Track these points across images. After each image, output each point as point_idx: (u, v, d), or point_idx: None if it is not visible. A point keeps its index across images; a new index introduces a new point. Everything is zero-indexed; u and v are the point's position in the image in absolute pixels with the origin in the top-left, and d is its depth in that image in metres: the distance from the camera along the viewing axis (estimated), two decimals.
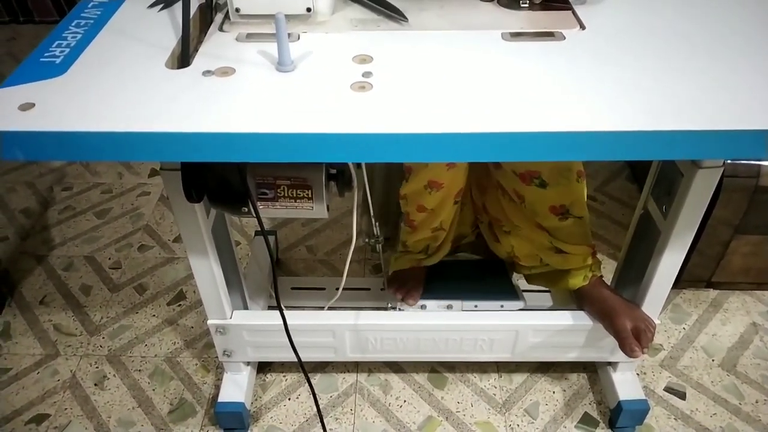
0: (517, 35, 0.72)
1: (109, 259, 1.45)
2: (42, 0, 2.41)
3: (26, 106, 0.60)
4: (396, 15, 0.75)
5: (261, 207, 0.72)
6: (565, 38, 0.72)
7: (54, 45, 0.70)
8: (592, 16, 0.76)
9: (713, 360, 1.22)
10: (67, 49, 0.69)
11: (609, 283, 1.14)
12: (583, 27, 0.74)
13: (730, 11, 0.76)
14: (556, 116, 0.58)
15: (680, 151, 0.59)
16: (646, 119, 0.58)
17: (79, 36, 0.71)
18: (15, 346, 1.26)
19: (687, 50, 0.68)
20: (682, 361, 1.22)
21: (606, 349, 1.06)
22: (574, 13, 0.77)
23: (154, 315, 1.32)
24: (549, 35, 0.72)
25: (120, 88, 0.62)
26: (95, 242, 1.49)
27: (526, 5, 0.78)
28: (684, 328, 1.28)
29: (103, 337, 1.27)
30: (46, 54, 0.68)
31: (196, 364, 1.22)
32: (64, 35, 0.72)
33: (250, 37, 0.72)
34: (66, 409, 1.14)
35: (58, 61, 0.67)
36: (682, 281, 1.35)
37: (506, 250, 1.12)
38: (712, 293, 1.36)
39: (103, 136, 0.57)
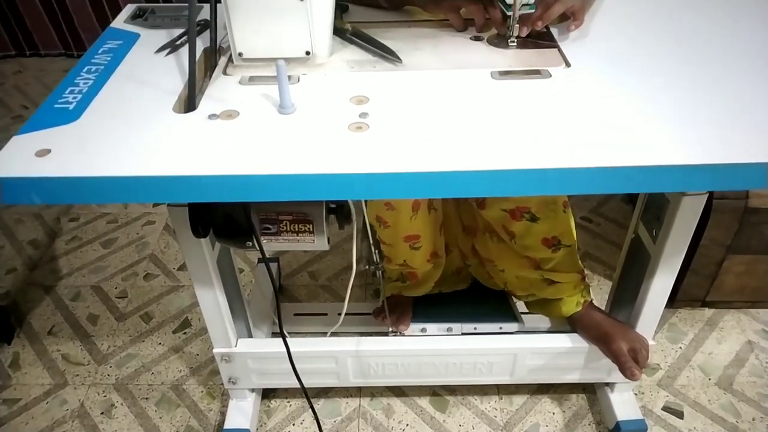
0: (505, 73, 0.76)
1: (116, 288, 1.48)
2: (47, 33, 2.46)
3: (42, 153, 0.63)
4: (391, 56, 0.79)
5: (265, 241, 0.76)
6: (551, 76, 0.75)
7: (67, 91, 0.73)
8: (576, 53, 0.80)
9: (710, 379, 1.24)
10: (80, 95, 0.73)
11: (605, 304, 1.17)
12: (568, 64, 0.78)
13: (711, 47, 0.80)
14: (543, 154, 0.62)
15: (666, 185, 0.62)
16: (631, 155, 0.61)
17: (90, 82, 0.75)
18: (24, 377, 1.28)
19: (668, 85, 0.72)
20: (679, 380, 1.24)
21: (603, 370, 1.08)
22: (559, 50, 0.81)
23: (160, 343, 1.34)
24: (536, 73, 0.76)
25: (131, 133, 0.66)
26: (102, 272, 1.53)
27: (514, 44, 0.82)
28: (680, 348, 1.30)
29: (111, 366, 1.30)
30: (59, 100, 0.72)
31: (202, 391, 1.24)
32: (76, 81, 0.75)
33: (252, 80, 0.76)
34: None
35: (71, 107, 0.70)
36: (677, 301, 1.37)
37: (500, 286, 1.16)
38: (708, 312, 1.38)
39: (115, 180, 0.61)
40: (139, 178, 0.61)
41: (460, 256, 1.21)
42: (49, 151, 0.63)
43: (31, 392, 1.25)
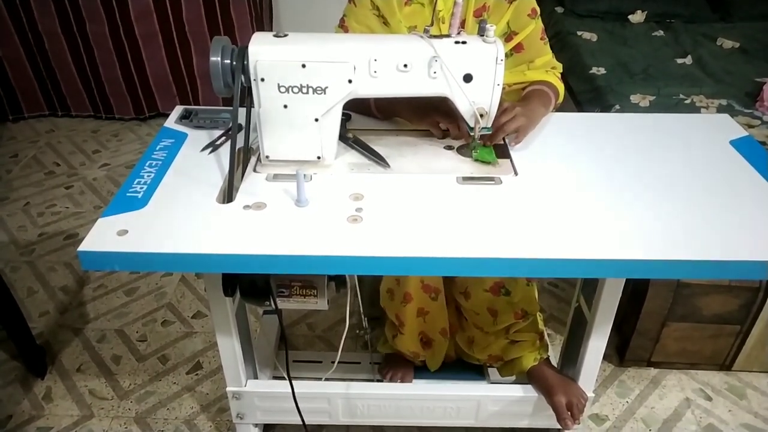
0: (468, 179, 1.00)
1: (137, 332, 1.68)
2: (80, 96, 2.73)
3: (122, 233, 0.86)
4: (381, 162, 1.03)
5: (279, 301, 0.98)
6: (502, 182, 0.99)
7: (135, 182, 0.97)
8: (524, 164, 1.04)
9: (650, 429, 1.43)
10: (145, 186, 0.96)
11: (557, 360, 1.38)
12: (516, 173, 1.02)
13: (631, 166, 1.04)
14: (490, 245, 0.84)
15: (585, 272, 0.85)
16: (557, 248, 0.84)
17: (152, 175, 0.99)
18: (56, 408, 1.47)
19: (596, 195, 0.95)
20: (623, 430, 1.43)
21: (553, 417, 1.28)
22: (511, 161, 1.05)
23: (174, 382, 1.54)
24: (490, 180, 1.00)
25: (185, 218, 0.89)
26: (125, 317, 1.73)
27: (477, 154, 1.06)
28: (627, 402, 1.50)
29: (131, 401, 1.49)
30: (130, 189, 0.95)
31: (211, 426, 1.43)
32: (141, 174, 0.99)
33: (276, 177, 0.99)
34: None
35: (139, 195, 0.94)
36: (626, 360, 1.58)
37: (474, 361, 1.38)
38: (653, 371, 1.58)
39: (173, 256, 0.83)
40: (190, 255, 0.83)
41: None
42: (126, 231, 0.86)
43: (62, 422, 1.44)
